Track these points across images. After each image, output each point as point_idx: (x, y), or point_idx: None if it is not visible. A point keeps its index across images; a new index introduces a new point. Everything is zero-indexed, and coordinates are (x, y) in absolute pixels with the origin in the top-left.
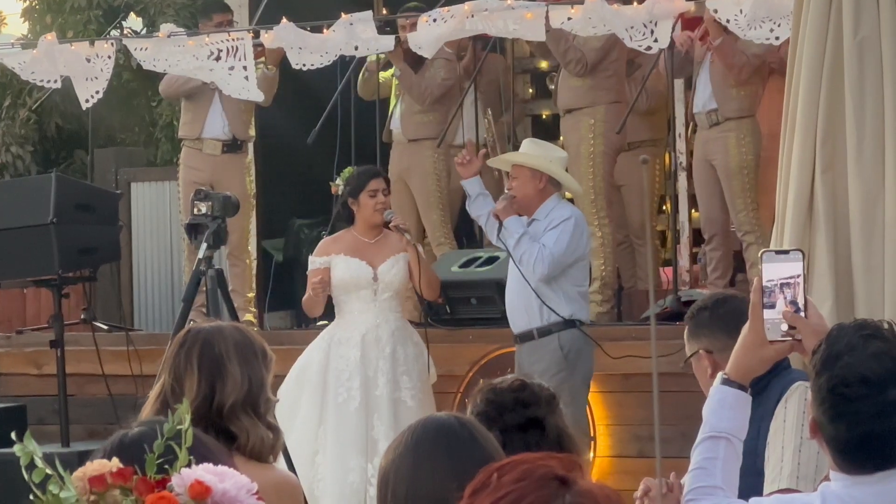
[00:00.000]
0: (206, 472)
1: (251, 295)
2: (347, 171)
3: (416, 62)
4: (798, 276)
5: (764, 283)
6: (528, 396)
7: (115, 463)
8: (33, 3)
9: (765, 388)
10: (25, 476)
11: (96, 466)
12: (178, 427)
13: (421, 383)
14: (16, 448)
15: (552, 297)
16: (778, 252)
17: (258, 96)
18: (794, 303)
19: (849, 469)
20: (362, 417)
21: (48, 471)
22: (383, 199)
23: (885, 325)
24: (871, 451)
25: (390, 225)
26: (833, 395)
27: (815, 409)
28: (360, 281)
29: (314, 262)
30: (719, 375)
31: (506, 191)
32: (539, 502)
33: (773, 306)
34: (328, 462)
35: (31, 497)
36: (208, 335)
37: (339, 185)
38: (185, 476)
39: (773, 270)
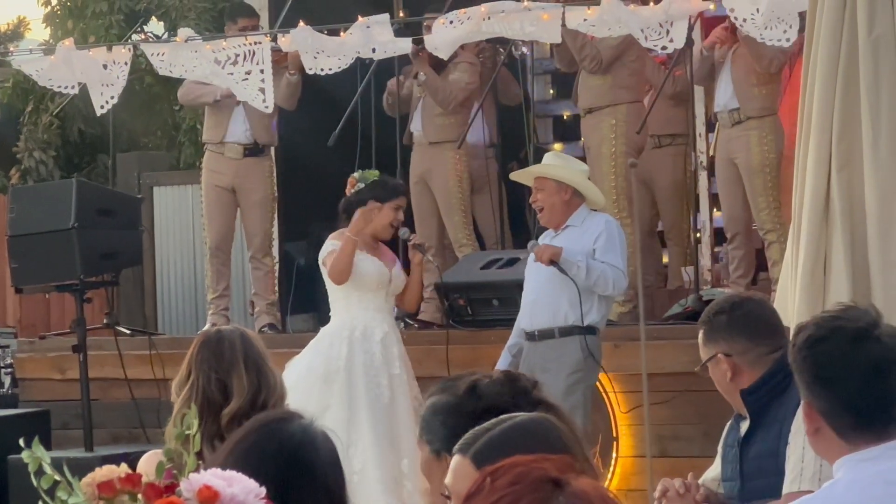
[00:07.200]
0: (214, 477)
1: (274, 298)
2: (373, 173)
3: (438, 65)
4: None
5: None
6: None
7: (123, 468)
8: (55, 9)
9: (785, 390)
10: (34, 482)
11: (105, 472)
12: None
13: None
14: (24, 454)
15: (587, 302)
16: None
17: (272, 103)
18: None
19: (852, 438)
20: (390, 414)
21: (56, 477)
22: (401, 217)
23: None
24: (871, 410)
25: (409, 243)
26: (819, 361)
27: (806, 391)
28: (382, 281)
29: (335, 245)
30: None
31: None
32: None
33: None
34: (368, 455)
35: (41, 503)
36: (244, 335)
37: (356, 178)
38: (194, 481)
39: None
